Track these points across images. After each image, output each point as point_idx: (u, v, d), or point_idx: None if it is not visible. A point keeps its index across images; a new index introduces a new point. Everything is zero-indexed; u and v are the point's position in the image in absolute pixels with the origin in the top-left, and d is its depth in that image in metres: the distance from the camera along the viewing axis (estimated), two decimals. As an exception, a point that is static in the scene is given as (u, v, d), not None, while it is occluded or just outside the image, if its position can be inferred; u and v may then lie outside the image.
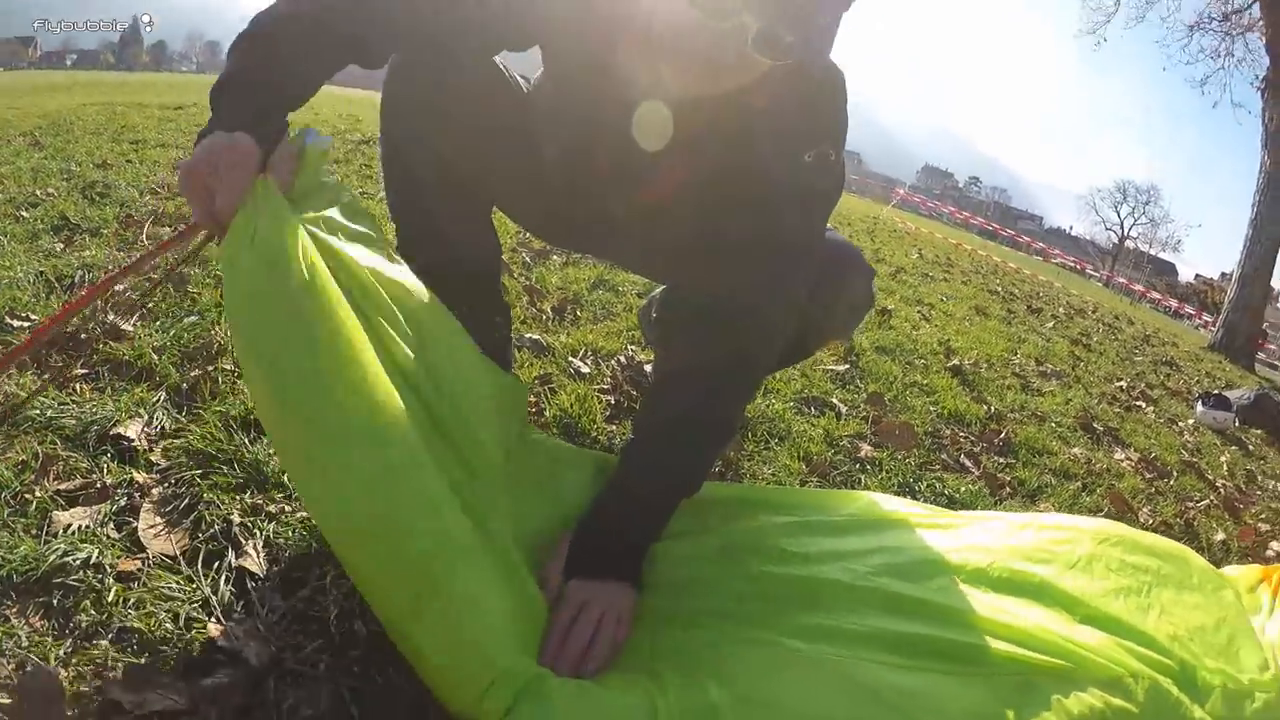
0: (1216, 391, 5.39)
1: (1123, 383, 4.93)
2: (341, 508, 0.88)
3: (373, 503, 0.88)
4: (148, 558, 1.07)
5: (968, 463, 2.38)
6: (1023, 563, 1.31)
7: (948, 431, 2.58)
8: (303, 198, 1.05)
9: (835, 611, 1.13)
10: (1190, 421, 4.68)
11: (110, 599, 0.99)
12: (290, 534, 1.16)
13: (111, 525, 1.12)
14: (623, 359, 2.30)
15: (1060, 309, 8.33)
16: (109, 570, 1.03)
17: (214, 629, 0.97)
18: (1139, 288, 28.20)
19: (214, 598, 1.02)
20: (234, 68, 1.06)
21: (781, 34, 1.03)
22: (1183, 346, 10.35)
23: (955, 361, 3.54)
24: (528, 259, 3.28)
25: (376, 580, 0.90)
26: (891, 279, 5.87)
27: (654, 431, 1.31)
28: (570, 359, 2.24)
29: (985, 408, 2.97)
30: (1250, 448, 4.82)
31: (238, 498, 1.21)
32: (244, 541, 1.12)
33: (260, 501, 1.21)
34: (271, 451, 1.30)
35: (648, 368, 2.20)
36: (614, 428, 1.90)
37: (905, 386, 2.90)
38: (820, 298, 1.40)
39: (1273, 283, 12.73)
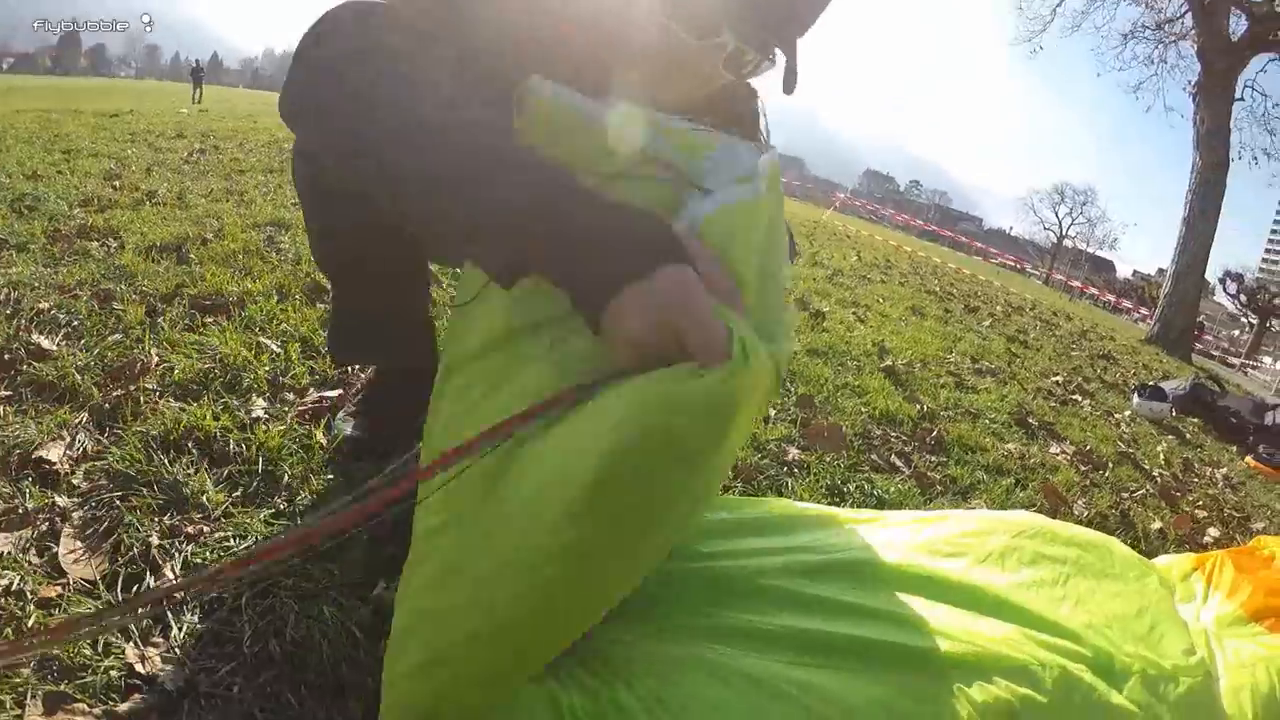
0: (1152, 383, 5.48)
1: (1059, 377, 4.98)
2: None
3: None
4: (68, 583, 1.05)
5: (898, 462, 2.35)
6: (933, 558, 1.28)
7: (879, 432, 2.55)
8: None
9: (744, 610, 1.08)
10: (1127, 413, 4.74)
11: (30, 626, 0.98)
12: (208, 554, 1.15)
13: (33, 551, 1.10)
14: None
15: (998, 307, 8.43)
16: (30, 597, 1.02)
17: (131, 654, 0.96)
18: (1077, 284, 28.78)
19: (132, 624, 1.01)
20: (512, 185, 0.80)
21: (754, 55, 1.03)
22: (1120, 340, 10.55)
23: (889, 362, 3.53)
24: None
25: None
26: (828, 282, 5.88)
27: None
28: None
29: (918, 407, 2.95)
30: (1187, 436, 4.90)
31: (157, 520, 1.19)
32: (162, 564, 1.12)
33: (179, 523, 1.20)
34: (191, 472, 1.29)
35: None
36: None
37: (837, 388, 2.86)
38: None
39: (1207, 276, 13.10)
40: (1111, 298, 32.69)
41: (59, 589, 1.04)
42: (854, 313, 4.68)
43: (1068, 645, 1.16)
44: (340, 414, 1.58)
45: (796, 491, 1.98)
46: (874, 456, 2.32)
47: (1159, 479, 3.37)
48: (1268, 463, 4.71)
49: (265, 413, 1.54)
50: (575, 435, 0.78)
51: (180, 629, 1.02)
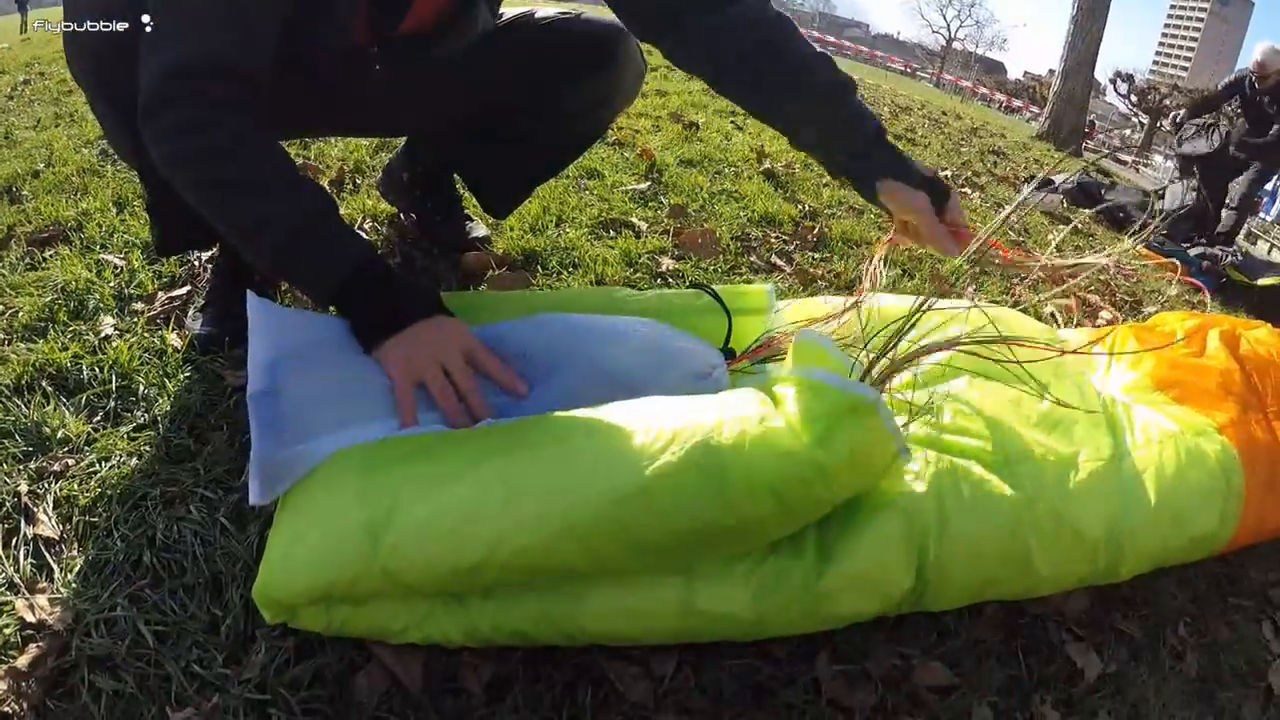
0: (1041, 175, 5.53)
1: (949, 171, 4.97)
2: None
3: None
4: None
5: (779, 261, 2.27)
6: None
7: (758, 234, 2.46)
8: None
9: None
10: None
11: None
12: (76, 486, 1.14)
13: None
14: (402, 215, 2.07)
15: (884, 109, 8.34)
16: None
17: (21, 606, 0.97)
18: (968, 84, 29.05)
19: (16, 576, 1.01)
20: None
21: None
22: (1011, 138, 10.67)
23: (768, 165, 3.41)
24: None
25: None
26: (705, 94, 5.67)
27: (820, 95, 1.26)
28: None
29: (799, 207, 2.86)
30: (1079, 226, 4.98)
31: (22, 466, 1.18)
32: (34, 508, 1.11)
33: (45, 463, 1.18)
34: (49, 409, 1.27)
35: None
36: None
37: (712, 195, 2.75)
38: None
39: (1099, 77, 13.32)
40: (1003, 98, 33.13)
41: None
42: (732, 121, 4.51)
43: (963, 443, 1.16)
44: (191, 312, 1.57)
45: (668, 301, 1.88)
46: (753, 258, 2.24)
47: (1050, 265, 3.39)
48: (1158, 250, 4.84)
49: (114, 329, 1.50)
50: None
51: (60, 568, 1.03)
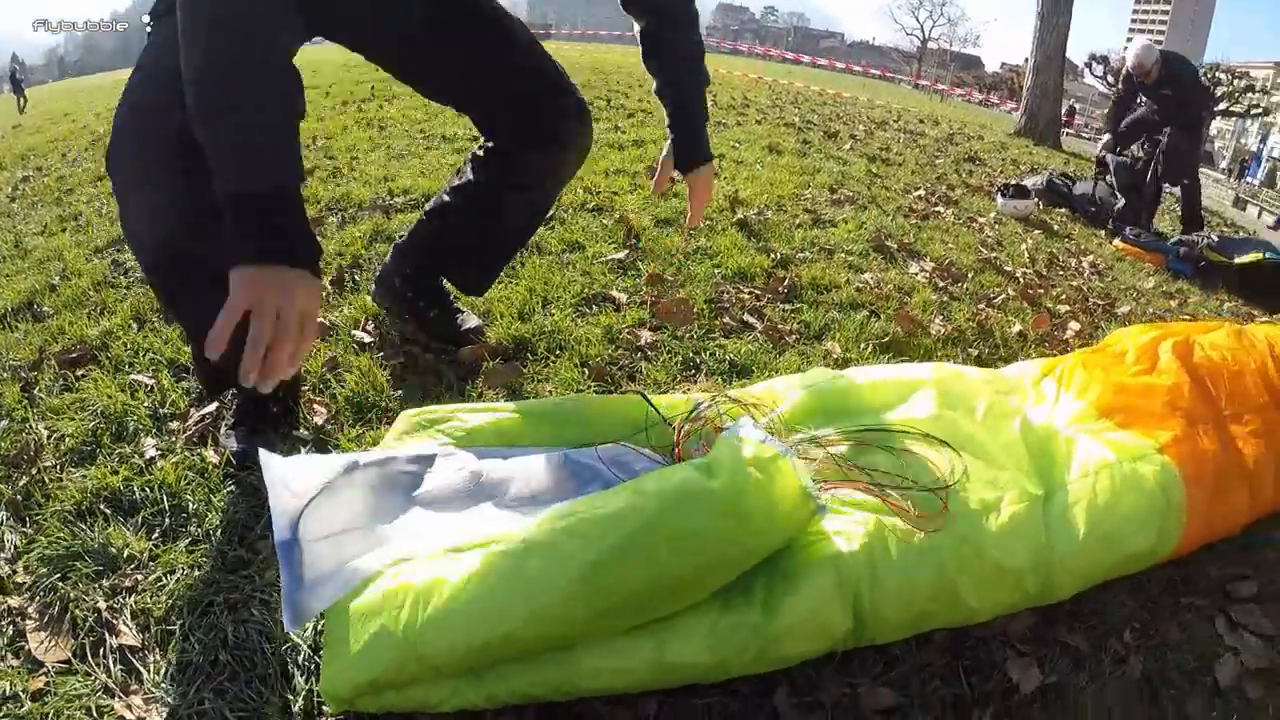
0: (1015, 181, 5.70)
1: (921, 191, 5.13)
2: None
3: None
4: (49, 670, 1.18)
5: (751, 319, 2.43)
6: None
7: (730, 291, 2.63)
8: None
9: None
10: (992, 215, 4.93)
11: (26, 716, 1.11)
12: (149, 599, 1.29)
13: (9, 654, 1.21)
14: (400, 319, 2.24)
15: (860, 127, 8.53)
16: (23, 696, 1.14)
17: (119, 707, 1.12)
18: (943, 87, 29.33)
19: (110, 681, 1.16)
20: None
21: None
22: (989, 138, 10.86)
23: (741, 215, 3.59)
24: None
25: None
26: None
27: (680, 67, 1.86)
28: (354, 332, 2.18)
29: (771, 256, 3.03)
30: (1055, 228, 5.15)
31: (97, 585, 1.32)
32: (114, 620, 1.25)
33: (116, 581, 1.33)
34: (111, 531, 1.42)
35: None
36: (400, 390, 1.90)
37: (688, 256, 2.93)
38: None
39: (1074, 57, 13.39)
40: (980, 95, 33.38)
41: (43, 679, 1.16)
42: (706, 166, 4.69)
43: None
44: (223, 429, 1.69)
45: (651, 374, 2.05)
46: (726, 319, 2.40)
47: (1022, 279, 3.55)
48: (1134, 243, 4.99)
49: (156, 449, 1.65)
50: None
51: (147, 671, 1.18)
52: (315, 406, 1.79)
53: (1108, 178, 6.12)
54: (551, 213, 2.88)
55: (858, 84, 22.90)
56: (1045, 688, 1.31)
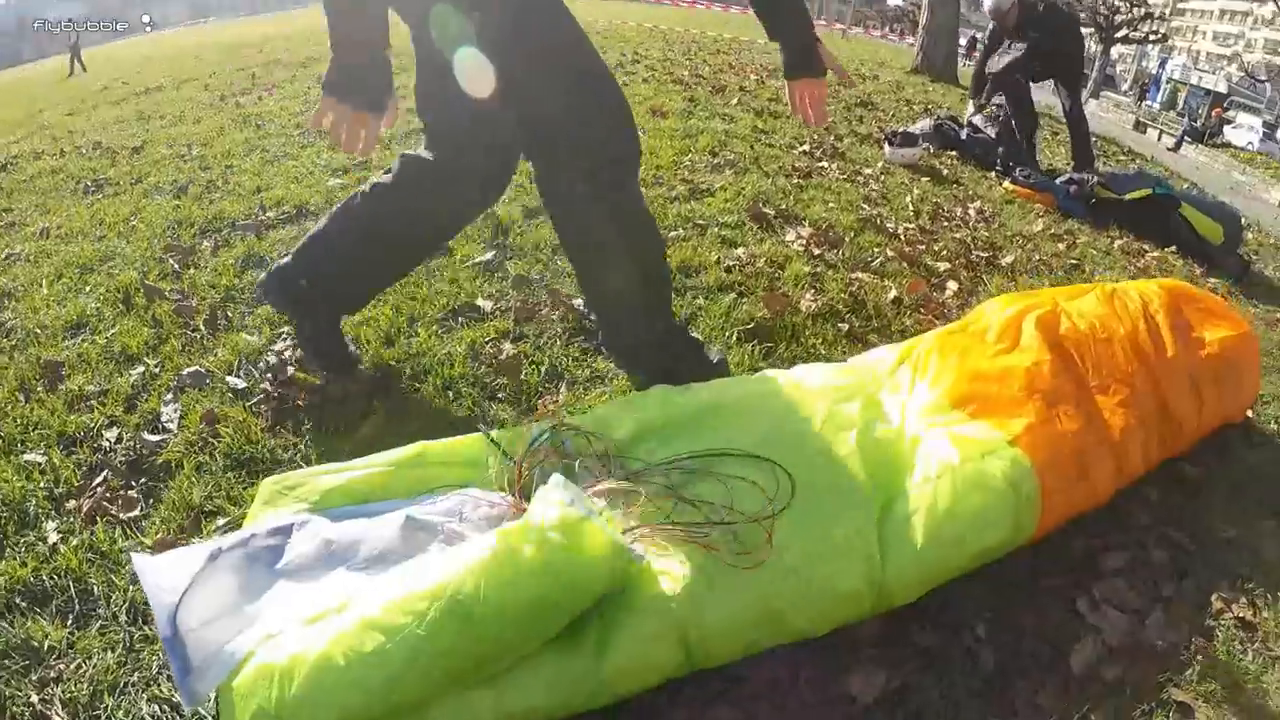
0: (902, 129, 5.67)
1: (806, 145, 5.08)
2: None
3: None
4: None
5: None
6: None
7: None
8: None
9: None
10: (879, 165, 4.91)
11: None
12: (74, 687, 1.34)
13: None
14: (270, 357, 2.18)
15: (751, 77, 8.40)
16: None
17: None
18: (840, 26, 29.55)
19: None
20: None
21: None
22: (885, 78, 10.87)
23: (616, 193, 3.51)
24: (175, 266, 2.87)
25: None
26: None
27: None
28: (228, 378, 2.10)
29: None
30: (945, 173, 5.15)
31: (27, 679, 1.36)
32: (49, 712, 1.31)
33: (44, 673, 1.37)
34: (31, 624, 1.44)
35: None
36: (275, 440, 1.87)
37: (555, 251, 2.82)
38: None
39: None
40: (879, 33, 33.64)
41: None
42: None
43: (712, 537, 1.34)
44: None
45: (509, 390, 2.01)
46: (589, 321, 2.33)
47: (903, 235, 3.55)
48: (1024, 184, 5.03)
49: (57, 533, 1.65)
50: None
51: None
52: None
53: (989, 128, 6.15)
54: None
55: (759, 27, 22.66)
56: (888, 692, 1.32)
